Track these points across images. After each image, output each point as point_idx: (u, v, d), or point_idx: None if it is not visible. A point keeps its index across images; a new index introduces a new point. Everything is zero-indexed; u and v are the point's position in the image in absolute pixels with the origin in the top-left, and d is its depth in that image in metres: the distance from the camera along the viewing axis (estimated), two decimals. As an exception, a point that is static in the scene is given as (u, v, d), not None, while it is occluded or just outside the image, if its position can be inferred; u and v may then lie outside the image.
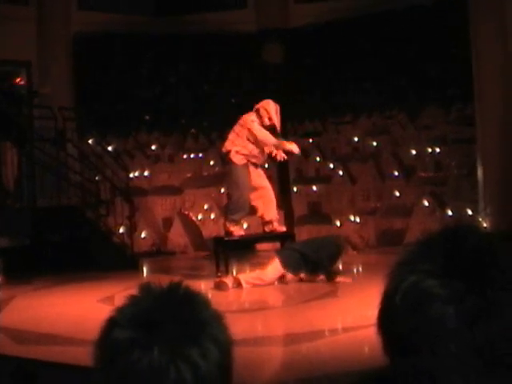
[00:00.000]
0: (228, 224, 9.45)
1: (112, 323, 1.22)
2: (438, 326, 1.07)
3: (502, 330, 1.06)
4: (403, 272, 1.12)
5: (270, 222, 9.44)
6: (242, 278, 8.79)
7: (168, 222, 13.62)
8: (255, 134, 9.20)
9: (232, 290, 8.67)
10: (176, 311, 1.22)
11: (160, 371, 1.16)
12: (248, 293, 9.02)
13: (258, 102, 9.49)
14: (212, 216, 13.28)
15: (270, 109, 9.35)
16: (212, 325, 1.23)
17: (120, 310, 1.24)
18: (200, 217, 13.47)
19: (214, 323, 1.24)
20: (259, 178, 9.45)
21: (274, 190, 9.67)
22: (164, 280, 1.31)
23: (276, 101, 9.47)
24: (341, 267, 9.25)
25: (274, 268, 8.65)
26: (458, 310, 1.06)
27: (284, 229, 9.70)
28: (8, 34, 12.84)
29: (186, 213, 13.67)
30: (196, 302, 1.25)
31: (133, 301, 1.24)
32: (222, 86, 14.10)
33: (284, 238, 9.79)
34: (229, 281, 8.71)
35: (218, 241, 9.62)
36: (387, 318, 1.14)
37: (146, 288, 1.26)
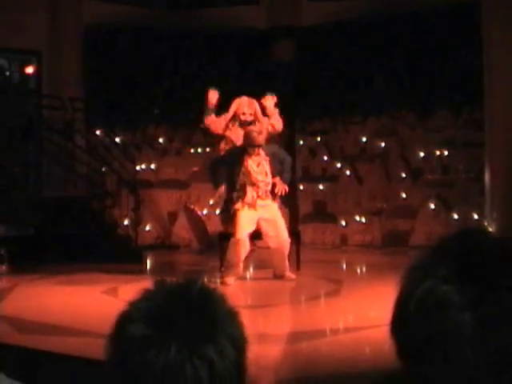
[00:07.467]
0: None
1: (126, 318, 1.19)
2: (454, 332, 1.04)
3: None
4: (417, 277, 1.10)
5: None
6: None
7: (173, 216, 13.63)
8: None
9: (234, 286, 8.68)
10: (192, 308, 1.19)
11: (176, 369, 1.14)
12: (250, 289, 9.03)
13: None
14: (217, 211, 13.26)
15: (234, 105, 9.97)
16: (228, 322, 1.21)
17: (134, 305, 1.20)
18: (205, 211, 13.47)
19: (230, 320, 1.22)
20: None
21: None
22: (168, 274, 1.30)
23: (286, 98, 9.50)
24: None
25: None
26: (474, 317, 1.04)
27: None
28: (19, 23, 12.85)
29: (192, 207, 13.67)
30: (212, 298, 1.23)
31: (147, 296, 1.21)
32: (231, 82, 14.09)
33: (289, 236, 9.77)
34: (230, 278, 8.74)
35: (222, 236, 9.62)
36: (401, 324, 1.11)
37: (160, 283, 1.23)
